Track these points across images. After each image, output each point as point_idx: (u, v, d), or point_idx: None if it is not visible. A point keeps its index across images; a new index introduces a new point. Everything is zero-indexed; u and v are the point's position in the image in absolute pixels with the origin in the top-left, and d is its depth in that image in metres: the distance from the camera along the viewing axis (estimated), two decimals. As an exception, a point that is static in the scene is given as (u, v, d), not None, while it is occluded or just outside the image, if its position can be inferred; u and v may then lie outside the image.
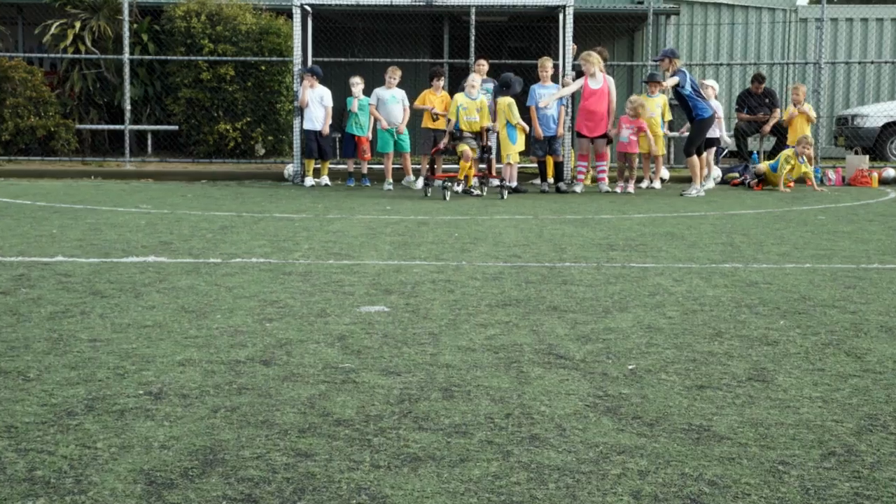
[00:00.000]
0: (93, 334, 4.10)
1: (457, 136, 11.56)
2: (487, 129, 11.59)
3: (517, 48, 18.61)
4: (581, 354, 3.80)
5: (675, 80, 12.11)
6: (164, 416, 2.98)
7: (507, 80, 12.56)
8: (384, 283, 5.44)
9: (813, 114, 14.49)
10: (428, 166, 12.19)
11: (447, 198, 11.02)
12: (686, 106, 12.29)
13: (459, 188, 11.57)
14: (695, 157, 12.25)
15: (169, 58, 16.02)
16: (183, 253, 6.58)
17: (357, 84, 13.71)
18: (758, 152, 16.02)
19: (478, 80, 11.91)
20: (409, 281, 5.50)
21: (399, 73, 13.55)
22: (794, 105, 14.37)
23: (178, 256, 6.42)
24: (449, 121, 11.92)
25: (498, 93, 13.55)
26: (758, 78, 16.13)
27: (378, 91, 13.51)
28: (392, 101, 13.49)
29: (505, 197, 11.24)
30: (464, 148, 11.40)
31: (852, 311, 4.66)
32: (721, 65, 18.40)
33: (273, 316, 4.51)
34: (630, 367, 3.61)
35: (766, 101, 16.20)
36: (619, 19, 17.70)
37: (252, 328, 4.24)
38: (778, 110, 16.18)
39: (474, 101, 11.68)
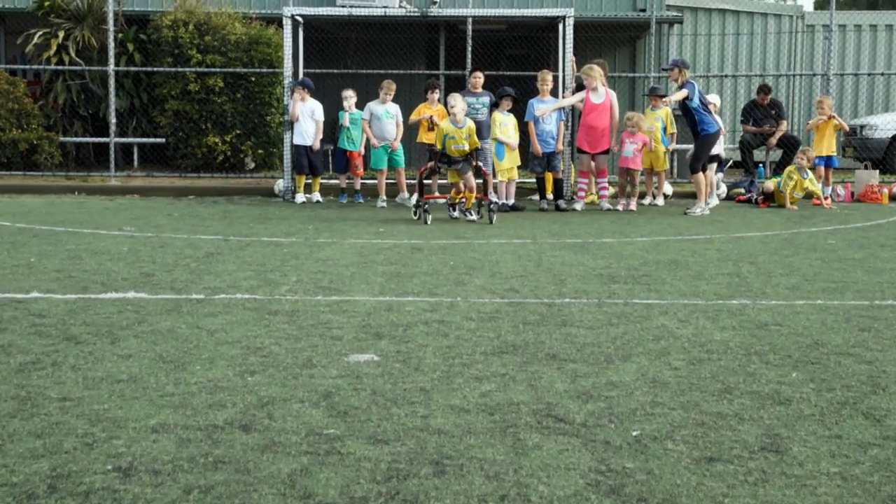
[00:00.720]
0: (63, 391, 3.95)
1: (445, 160, 11.04)
2: (476, 150, 11.04)
3: (516, 55, 18.47)
4: (582, 417, 3.66)
5: (684, 93, 11.94)
6: (133, 500, 2.83)
7: (504, 94, 12.46)
8: (375, 324, 5.30)
9: (846, 124, 14.35)
10: (418, 188, 11.38)
11: (428, 221, 10.68)
12: (692, 120, 12.13)
13: (456, 213, 11.28)
14: (701, 175, 12.10)
15: (156, 69, 15.85)
16: (165, 287, 6.44)
17: (350, 97, 13.57)
18: (764, 165, 15.90)
19: (459, 105, 10.91)
20: (400, 322, 5.35)
21: (394, 87, 13.40)
22: (825, 118, 14.19)
23: (159, 291, 6.27)
24: (432, 151, 11.43)
25: (494, 107, 13.44)
26: (764, 89, 16.00)
27: (371, 105, 13.38)
28: (385, 117, 13.37)
29: (493, 222, 10.75)
30: (465, 177, 10.98)
31: (868, 361, 4.52)
32: (726, 76, 18.26)
33: (256, 367, 4.36)
34: (634, 433, 3.47)
35: (773, 112, 16.07)
36: (620, 29, 17.57)
37: (233, 383, 4.10)
38: (784, 122, 16.06)
39: (461, 129, 10.91)
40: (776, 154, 16.34)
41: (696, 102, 11.92)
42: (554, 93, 13.12)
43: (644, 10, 17.59)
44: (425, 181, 11.71)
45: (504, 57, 18.31)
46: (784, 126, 15.99)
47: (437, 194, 11.86)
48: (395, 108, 13.38)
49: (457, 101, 10.98)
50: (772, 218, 11.78)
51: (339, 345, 4.80)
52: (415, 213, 11.13)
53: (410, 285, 6.59)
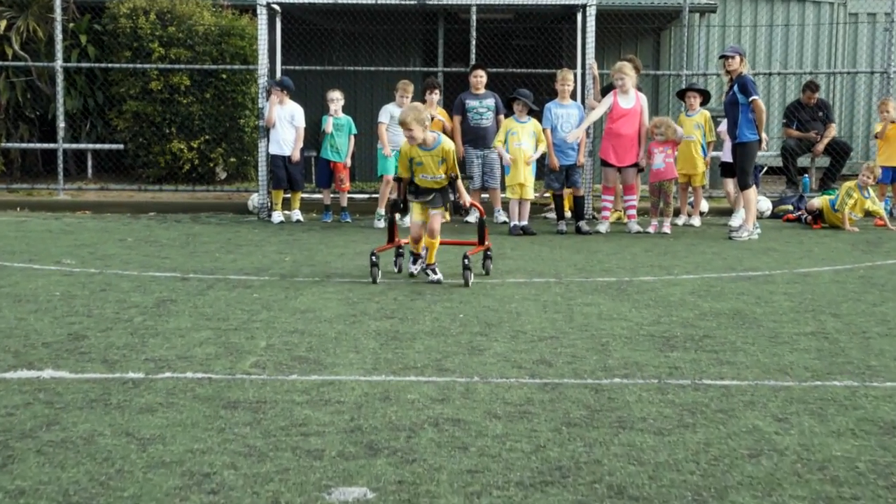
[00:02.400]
0: None
1: (413, 190, 8.12)
2: (452, 179, 7.99)
3: (522, 47, 17.42)
4: None
5: (758, 100, 10.88)
6: None
7: (518, 98, 11.38)
8: (367, 426, 4.20)
9: None
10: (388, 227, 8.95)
11: (377, 279, 7.92)
12: (734, 120, 11.01)
13: (417, 268, 8.24)
14: (751, 191, 11.05)
15: (112, 64, 14.96)
16: (95, 359, 5.33)
17: (336, 100, 12.49)
18: (809, 175, 14.86)
19: (413, 116, 7.84)
20: (402, 423, 4.25)
21: (411, 88, 12.23)
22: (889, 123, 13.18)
23: (85, 367, 5.16)
24: (400, 180, 8.33)
25: (502, 110, 12.40)
26: (811, 87, 14.95)
27: (391, 108, 12.16)
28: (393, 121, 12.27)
29: (489, 272, 8.37)
30: (432, 216, 8.03)
31: None
32: (760, 74, 17.12)
33: (198, 517, 3.26)
34: None
35: (820, 114, 15.04)
36: (645, 19, 16.51)
37: (161, 552, 2.99)
38: (833, 125, 15.04)
39: (430, 151, 7.95)
40: (823, 161, 15.30)
41: (745, 100, 10.85)
42: (573, 95, 12.03)
43: (674, -3, 16.49)
44: (395, 213, 8.80)
45: (511, 53, 17.27)
46: (833, 130, 14.98)
47: (395, 241, 8.73)
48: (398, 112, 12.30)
49: (409, 114, 7.88)
50: (832, 243, 10.72)
51: (319, 469, 3.70)
52: (373, 278, 7.99)
53: (412, 354, 5.49)
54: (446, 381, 4.93)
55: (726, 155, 12.08)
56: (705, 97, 12.41)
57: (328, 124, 12.44)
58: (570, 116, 11.57)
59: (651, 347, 5.71)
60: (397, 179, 8.55)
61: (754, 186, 11.17)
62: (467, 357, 5.45)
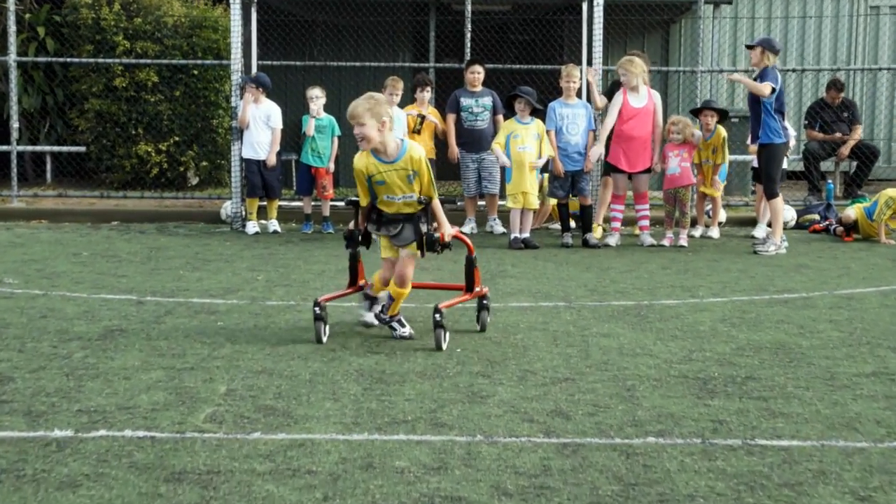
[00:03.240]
0: None
1: (376, 219, 6.16)
2: (424, 204, 6.01)
3: (519, 42, 16.71)
4: None
5: (769, 86, 10.09)
6: None
7: (519, 95, 10.64)
8: (344, 509, 3.45)
9: None
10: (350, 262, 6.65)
11: (324, 338, 6.03)
12: (756, 118, 10.30)
13: (370, 317, 6.37)
14: (778, 200, 10.36)
15: (73, 59, 14.31)
16: (16, 411, 4.56)
17: (317, 98, 11.75)
18: (832, 181, 14.16)
19: (370, 118, 5.84)
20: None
21: (401, 85, 11.55)
22: None
23: (2, 422, 4.39)
24: (352, 202, 6.32)
25: (500, 110, 11.68)
26: (835, 85, 14.34)
27: None
28: (396, 122, 11.50)
29: (485, 328, 6.38)
30: (402, 258, 6.13)
31: None
32: (786, 71, 16.38)
33: None
34: None
35: (845, 115, 14.38)
36: (653, 10, 15.80)
37: None
38: (860, 127, 14.39)
39: (393, 164, 5.95)
40: (847, 166, 14.63)
41: (769, 99, 10.13)
42: (579, 93, 11.30)
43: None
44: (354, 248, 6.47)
45: (508, 44, 16.55)
46: (859, 132, 14.36)
47: (357, 285, 6.62)
48: (404, 113, 11.57)
49: (361, 103, 5.88)
50: (870, 259, 10.01)
51: (280, 577, 2.95)
52: (319, 336, 6.08)
53: (400, 403, 4.74)
54: (443, 442, 4.18)
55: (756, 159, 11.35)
56: (722, 116, 11.57)
57: (309, 126, 11.70)
58: (576, 117, 10.83)
59: (686, 392, 4.96)
60: (351, 203, 6.34)
61: (781, 195, 10.45)
62: (467, 406, 4.70)
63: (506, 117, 11.35)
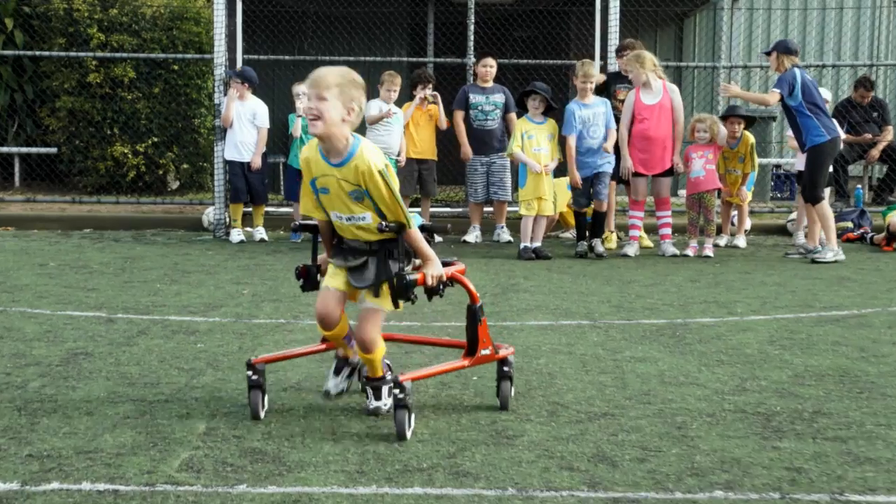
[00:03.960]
0: None
1: (339, 251, 4.54)
2: (391, 232, 4.34)
3: (519, 39, 16.22)
4: None
5: (776, 94, 9.69)
6: None
7: (532, 91, 10.06)
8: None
9: None
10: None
11: (260, 414, 4.51)
12: (793, 124, 9.89)
13: (340, 382, 4.71)
14: (824, 205, 9.91)
15: (43, 52, 13.89)
16: (-47, 457, 3.94)
17: (304, 95, 11.10)
18: (861, 186, 13.63)
19: (327, 102, 4.35)
20: (407, 586, 2.88)
21: (398, 80, 11.00)
22: None
23: (-64, 472, 3.78)
24: (305, 226, 4.81)
25: (512, 108, 11.11)
26: (864, 83, 13.77)
27: (375, 104, 10.83)
28: (394, 121, 10.93)
29: (506, 404, 4.69)
30: (365, 308, 4.47)
31: None
32: (806, 67, 15.83)
33: None
34: None
35: (875, 115, 13.84)
36: (668, 1, 15.27)
37: None
38: (890, 128, 13.83)
39: (338, 167, 4.32)
40: (878, 170, 14.09)
41: (797, 99, 9.67)
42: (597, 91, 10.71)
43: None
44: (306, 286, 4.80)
45: (510, 40, 16.04)
46: (890, 133, 13.82)
47: (302, 349, 5.11)
48: (400, 111, 10.97)
49: (329, 77, 4.38)
50: (916, 270, 9.45)
51: None
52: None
53: (413, 444, 4.14)
54: (468, 498, 3.56)
55: (800, 163, 10.79)
56: (749, 122, 11.00)
57: (296, 126, 11.15)
58: (597, 117, 10.19)
59: (748, 432, 4.35)
60: (305, 228, 4.83)
61: (826, 199, 9.97)
62: (492, 450, 4.09)
63: (517, 115, 10.77)
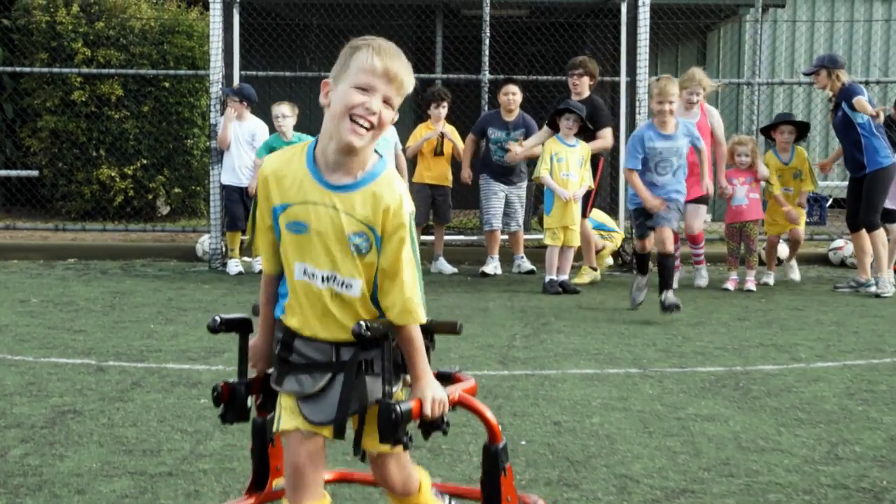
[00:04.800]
0: None
1: (278, 345, 3.06)
2: (376, 335, 2.85)
3: (531, 54, 15.90)
4: None
5: (865, 103, 9.42)
6: None
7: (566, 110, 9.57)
8: None
9: None
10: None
11: None
12: (853, 143, 9.49)
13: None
14: (880, 233, 9.64)
15: (24, 69, 13.88)
16: (-81, 553, 3.41)
17: (285, 116, 10.60)
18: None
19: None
20: None
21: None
22: None
23: None
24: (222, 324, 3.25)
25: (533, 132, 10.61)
26: (905, 100, 13.34)
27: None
28: (382, 145, 10.44)
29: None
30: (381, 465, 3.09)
31: None
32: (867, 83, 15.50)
33: None
34: None
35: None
36: (693, 14, 14.93)
37: None
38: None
39: (344, 192, 2.90)
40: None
41: (864, 117, 9.39)
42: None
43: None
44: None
45: (524, 55, 15.71)
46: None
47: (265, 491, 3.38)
48: (393, 135, 10.52)
49: (404, 69, 2.94)
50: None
51: None
52: None
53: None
54: None
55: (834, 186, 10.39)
56: (802, 131, 10.48)
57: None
58: (671, 153, 8.34)
59: (859, 517, 3.84)
60: (226, 327, 3.26)
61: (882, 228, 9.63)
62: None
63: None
